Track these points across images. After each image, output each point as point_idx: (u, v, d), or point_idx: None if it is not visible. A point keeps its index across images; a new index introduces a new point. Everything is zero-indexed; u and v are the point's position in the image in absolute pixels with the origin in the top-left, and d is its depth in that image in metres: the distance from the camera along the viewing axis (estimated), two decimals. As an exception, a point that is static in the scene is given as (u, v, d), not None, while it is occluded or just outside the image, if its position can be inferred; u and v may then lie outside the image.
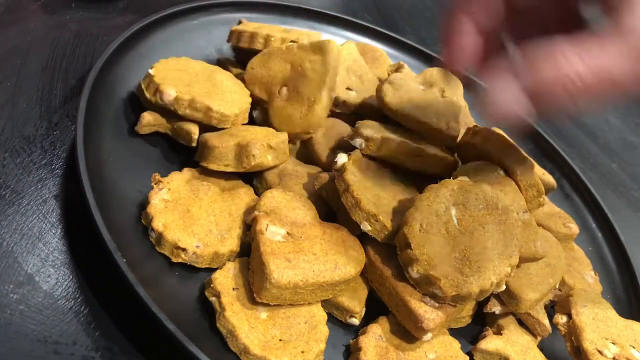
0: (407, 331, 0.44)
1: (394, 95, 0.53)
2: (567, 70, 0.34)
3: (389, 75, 0.60)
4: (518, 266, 0.48)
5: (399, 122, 0.53)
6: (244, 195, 0.48)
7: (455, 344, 0.46)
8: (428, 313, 0.43)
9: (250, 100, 0.53)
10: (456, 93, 0.56)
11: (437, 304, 0.43)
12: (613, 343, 0.45)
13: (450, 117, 0.53)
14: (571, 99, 0.34)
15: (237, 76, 0.56)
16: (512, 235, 0.43)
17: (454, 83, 0.57)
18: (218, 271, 0.42)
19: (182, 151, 0.51)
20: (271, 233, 0.43)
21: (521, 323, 0.50)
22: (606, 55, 0.34)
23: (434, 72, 0.58)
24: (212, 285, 0.41)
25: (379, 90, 0.53)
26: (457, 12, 0.41)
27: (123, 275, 0.37)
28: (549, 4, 0.42)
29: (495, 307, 0.48)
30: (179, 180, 0.47)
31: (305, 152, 0.54)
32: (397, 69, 0.60)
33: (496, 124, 0.52)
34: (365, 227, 0.45)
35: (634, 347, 0.45)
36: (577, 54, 0.34)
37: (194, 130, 0.49)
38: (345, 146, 0.52)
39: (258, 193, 0.50)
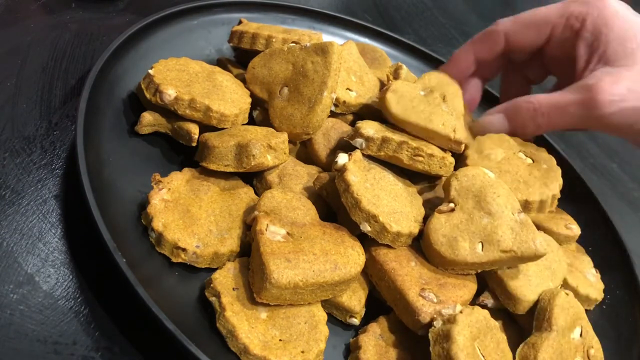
0: (407, 330, 0.44)
1: (398, 104, 0.53)
2: (531, 99, 0.55)
3: (388, 78, 0.60)
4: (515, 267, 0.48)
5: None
6: (244, 195, 0.48)
7: None
8: (425, 306, 0.43)
9: (250, 100, 0.53)
10: (457, 97, 0.56)
11: (435, 299, 0.43)
12: None
13: (455, 122, 0.53)
14: (534, 123, 0.55)
15: (237, 76, 0.56)
16: None
17: (453, 87, 0.57)
18: (218, 271, 0.42)
19: (182, 151, 0.51)
20: (271, 233, 0.43)
21: (512, 319, 0.50)
22: (561, 94, 0.54)
23: (432, 77, 0.58)
24: (212, 285, 0.41)
25: (382, 99, 0.53)
26: (471, 42, 0.62)
27: (123, 275, 0.37)
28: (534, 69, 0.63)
29: (488, 300, 0.48)
30: (179, 180, 0.47)
31: (305, 152, 0.54)
32: (396, 69, 0.60)
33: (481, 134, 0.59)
34: (365, 227, 0.45)
35: None
36: (541, 95, 0.55)
37: (194, 130, 0.49)
38: (345, 146, 0.52)
39: (258, 193, 0.50)
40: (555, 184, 0.55)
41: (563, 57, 0.59)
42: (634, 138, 0.55)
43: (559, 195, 0.56)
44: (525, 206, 0.54)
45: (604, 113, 0.51)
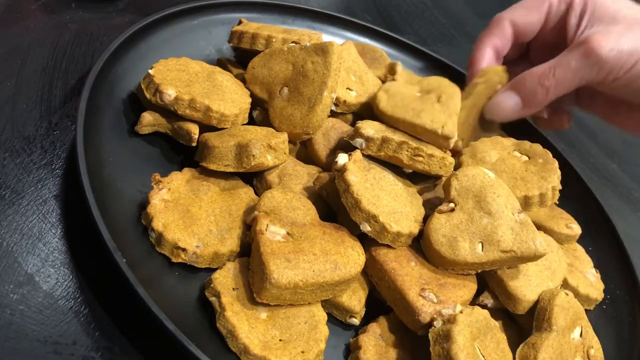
0: (407, 330, 0.44)
1: (388, 102, 0.53)
2: (533, 70, 0.58)
3: (385, 77, 0.60)
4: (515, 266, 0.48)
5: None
6: (244, 195, 0.48)
7: None
8: (425, 306, 0.43)
9: (250, 100, 0.53)
10: (454, 98, 0.56)
11: (435, 299, 0.43)
12: None
13: (445, 119, 0.53)
14: (542, 87, 0.57)
15: (237, 76, 0.56)
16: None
17: (452, 89, 0.57)
18: (218, 271, 0.42)
19: (182, 151, 0.51)
20: (271, 233, 0.43)
21: (512, 319, 0.50)
22: (559, 56, 0.56)
23: (432, 80, 0.58)
24: (212, 285, 0.41)
25: (373, 98, 0.54)
26: (481, 37, 0.65)
27: (123, 275, 0.37)
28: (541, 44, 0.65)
29: (488, 300, 0.48)
30: (179, 180, 0.47)
31: (305, 152, 0.54)
32: (392, 67, 0.61)
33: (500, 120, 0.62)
34: (365, 227, 0.45)
35: None
36: (544, 65, 0.57)
37: (194, 130, 0.49)
38: (345, 146, 0.52)
39: (258, 193, 0.50)
40: (553, 177, 0.55)
41: (553, 43, 0.63)
42: (635, 88, 0.57)
43: (559, 187, 0.55)
44: (526, 202, 0.54)
45: (604, 57, 0.54)
